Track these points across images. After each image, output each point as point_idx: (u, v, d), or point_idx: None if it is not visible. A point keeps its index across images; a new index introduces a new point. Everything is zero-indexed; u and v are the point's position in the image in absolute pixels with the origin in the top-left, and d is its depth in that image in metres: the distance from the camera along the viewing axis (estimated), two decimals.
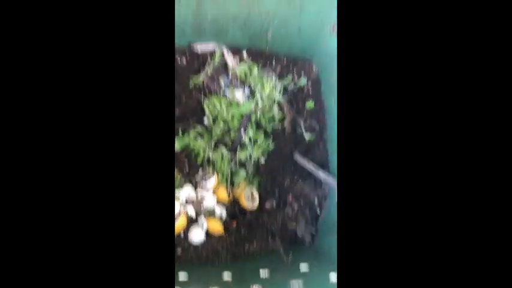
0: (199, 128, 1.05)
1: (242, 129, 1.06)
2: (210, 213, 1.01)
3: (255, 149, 1.07)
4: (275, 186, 1.11)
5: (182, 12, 0.95)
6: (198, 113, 1.09)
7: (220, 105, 1.05)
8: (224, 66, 1.13)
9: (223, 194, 1.04)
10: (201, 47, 1.12)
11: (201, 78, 1.09)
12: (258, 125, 1.11)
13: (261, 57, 1.18)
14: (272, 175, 1.11)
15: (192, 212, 0.97)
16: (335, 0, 0.94)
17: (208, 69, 1.10)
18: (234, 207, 1.06)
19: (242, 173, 1.06)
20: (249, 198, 1.07)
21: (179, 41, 1.08)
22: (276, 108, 1.13)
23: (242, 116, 1.07)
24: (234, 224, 1.05)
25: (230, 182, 1.04)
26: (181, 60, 1.12)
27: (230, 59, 1.13)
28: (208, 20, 1.01)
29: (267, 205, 1.10)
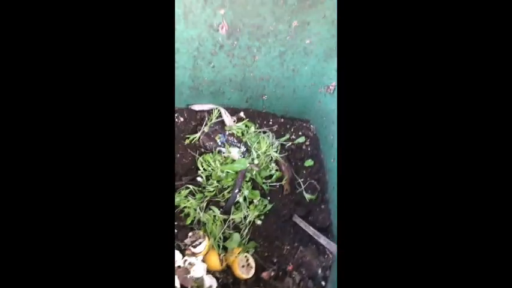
0: (191, 187, 1.00)
1: (237, 187, 1.00)
2: (198, 285, 0.88)
3: (251, 209, 1.00)
4: (273, 253, 1.00)
5: (179, 73, 0.99)
6: (192, 171, 1.05)
7: (215, 162, 1.02)
8: (221, 124, 1.13)
9: (215, 261, 0.93)
10: (198, 107, 1.15)
11: (197, 136, 1.09)
12: (254, 184, 1.06)
13: (258, 117, 1.19)
14: (270, 239, 1.01)
15: (176, 283, 0.85)
16: (332, 62, 0.97)
17: (205, 128, 1.10)
18: (226, 277, 0.94)
19: (236, 237, 0.96)
20: (244, 266, 0.96)
21: (177, 102, 1.11)
22: (273, 166, 1.09)
23: (237, 173, 1.02)
24: None
25: (223, 248, 0.94)
26: (178, 119, 1.13)
27: (227, 119, 1.14)
28: (206, 81, 1.05)
29: (265, 275, 0.98)
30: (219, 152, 1.08)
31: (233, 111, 1.16)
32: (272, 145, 1.10)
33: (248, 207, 1.00)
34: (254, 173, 1.05)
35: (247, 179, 1.03)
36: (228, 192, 1.01)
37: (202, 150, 1.08)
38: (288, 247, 1.01)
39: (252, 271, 0.95)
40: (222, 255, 0.94)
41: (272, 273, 0.98)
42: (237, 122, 1.14)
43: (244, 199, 1.01)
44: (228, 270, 0.96)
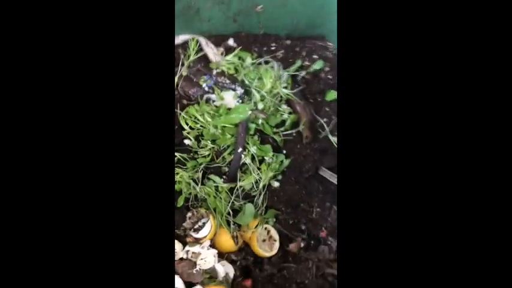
0: (177, 155, 0.74)
1: (240, 145, 0.73)
2: (210, 278, 0.69)
3: (263, 171, 0.75)
4: (300, 219, 0.78)
5: None
6: (178, 133, 0.78)
7: (203, 116, 0.74)
8: (204, 61, 0.82)
9: (227, 242, 0.73)
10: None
11: (175, 81, 0.79)
12: (263, 137, 0.78)
13: (255, 42, 0.86)
14: (293, 203, 0.78)
15: (180, 285, 0.65)
16: None
17: (183, 70, 0.79)
18: (245, 258, 0.74)
19: (249, 208, 0.74)
20: (266, 240, 0.76)
21: None
22: (284, 108, 0.80)
23: (237, 126, 0.75)
24: (249, 284, 0.72)
25: (234, 225, 0.72)
26: None
27: (211, 52, 0.82)
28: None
29: (292, 247, 0.78)
30: (208, 100, 0.78)
31: (218, 40, 0.84)
32: (279, 79, 0.79)
33: (259, 169, 0.75)
34: (260, 121, 0.77)
35: (251, 131, 0.76)
36: (230, 154, 0.75)
37: (185, 102, 0.79)
38: (318, 209, 0.80)
39: (276, 245, 0.76)
40: (235, 233, 0.73)
41: (302, 244, 0.78)
42: (225, 55, 0.82)
43: (253, 159, 0.75)
44: (246, 248, 0.75)
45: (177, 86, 0.80)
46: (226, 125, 0.74)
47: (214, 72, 0.81)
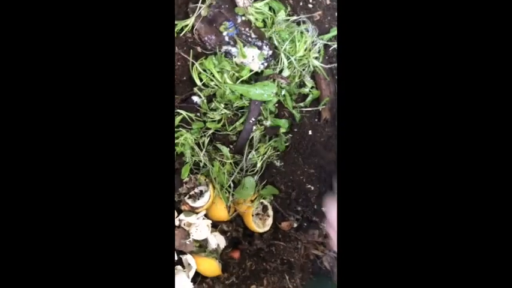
0: (183, 113, 0.64)
1: (252, 115, 0.65)
2: (201, 248, 0.66)
3: (269, 146, 0.68)
4: (298, 200, 0.76)
5: None
6: (186, 87, 0.66)
7: (221, 74, 0.63)
8: (229, 3, 0.67)
9: (221, 211, 0.69)
10: None
11: (189, 22, 0.64)
12: (280, 107, 0.70)
13: None
14: (293, 184, 0.74)
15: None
16: None
17: (203, 8, 0.64)
18: (236, 230, 0.72)
19: (250, 182, 0.69)
20: (260, 215, 0.73)
21: None
22: (309, 82, 0.71)
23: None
24: (237, 256, 0.71)
25: (231, 194, 0.67)
26: None
27: None
28: None
29: (284, 225, 0.76)
30: (226, 54, 0.66)
31: None
32: (313, 46, 0.68)
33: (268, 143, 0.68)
34: (283, 92, 0.67)
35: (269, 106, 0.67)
36: (242, 123, 0.66)
37: (199, 49, 0.66)
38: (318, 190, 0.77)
39: (269, 221, 0.74)
40: (230, 203, 0.69)
41: (295, 224, 0.76)
42: (255, 1, 0.68)
43: (264, 134, 0.67)
44: (237, 219, 0.73)
45: (193, 28, 0.66)
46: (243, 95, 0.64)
47: (239, 20, 0.67)
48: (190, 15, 0.65)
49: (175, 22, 0.65)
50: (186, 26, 0.65)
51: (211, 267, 0.67)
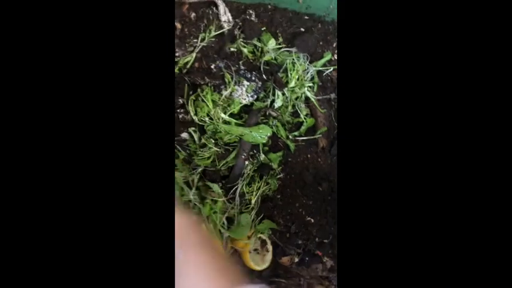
0: (176, 149, 0.62)
1: (243, 152, 0.62)
2: None
3: (270, 178, 0.65)
4: (298, 233, 0.72)
5: None
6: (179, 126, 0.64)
7: (214, 108, 0.60)
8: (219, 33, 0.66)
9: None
10: None
11: (191, 58, 0.62)
12: (273, 139, 0.67)
13: (283, 19, 0.69)
14: (292, 217, 0.71)
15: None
16: None
17: (206, 35, 0.63)
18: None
19: (245, 219, 0.66)
20: (259, 252, 0.70)
21: None
22: (302, 109, 0.68)
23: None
24: None
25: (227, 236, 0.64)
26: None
27: (225, 15, 0.65)
28: None
29: (285, 260, 0.72)
30: (215, 87, 0.64)
31: (235, 7, 0.66)
32: (306, 74, 0.65)
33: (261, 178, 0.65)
34: (274, 122, 0.65)
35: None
36: (233, 159, 0.64)
37: (199, 80, 0.63)
38: (318, 225, 0.73)
39: (269, 257, 0.70)
40: (225, 241, 0.66)
41: (296, 259, 0.73)
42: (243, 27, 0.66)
43: (258, 167, 0.64)
44: (235, 255, 0.69)
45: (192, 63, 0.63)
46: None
47: (228, 50, 0.65)
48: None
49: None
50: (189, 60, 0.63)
51: None
